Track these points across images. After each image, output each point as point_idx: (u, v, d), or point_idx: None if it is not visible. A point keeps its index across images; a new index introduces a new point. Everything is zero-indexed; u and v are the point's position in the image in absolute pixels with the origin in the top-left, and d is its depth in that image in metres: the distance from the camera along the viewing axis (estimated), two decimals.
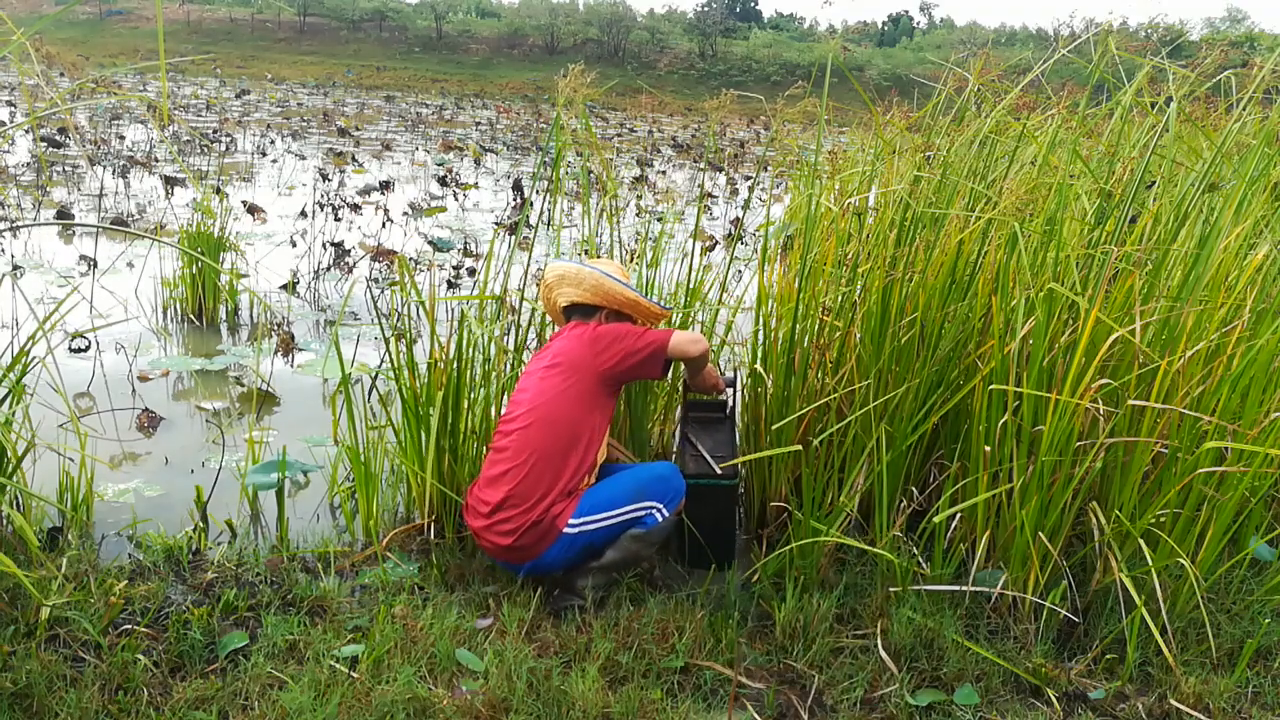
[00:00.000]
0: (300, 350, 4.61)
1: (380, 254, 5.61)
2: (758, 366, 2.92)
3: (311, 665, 2.09)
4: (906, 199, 2.65)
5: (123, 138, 12.05)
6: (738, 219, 8.05)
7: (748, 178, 13.12)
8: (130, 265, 5.83)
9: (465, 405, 2.79)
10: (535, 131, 19.52)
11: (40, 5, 43.51)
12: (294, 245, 6.53)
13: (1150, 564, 2.22)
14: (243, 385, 4.18)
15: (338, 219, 7.09)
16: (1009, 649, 2.29)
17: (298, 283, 5.71)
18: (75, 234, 6.90)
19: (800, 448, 2.66)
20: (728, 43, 53.77)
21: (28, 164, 9.60)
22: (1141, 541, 2.26)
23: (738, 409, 3.10)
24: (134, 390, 3.93)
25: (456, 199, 9.73)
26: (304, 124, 17.61)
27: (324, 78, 38.73)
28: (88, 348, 4.22)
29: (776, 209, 9.26)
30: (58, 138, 10.96)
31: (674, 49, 52.82)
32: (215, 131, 14.09)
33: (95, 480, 2.83)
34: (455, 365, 2.71)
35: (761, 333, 2.94)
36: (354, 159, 12.20)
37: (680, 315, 3.17)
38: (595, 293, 2.60)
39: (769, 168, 9.04)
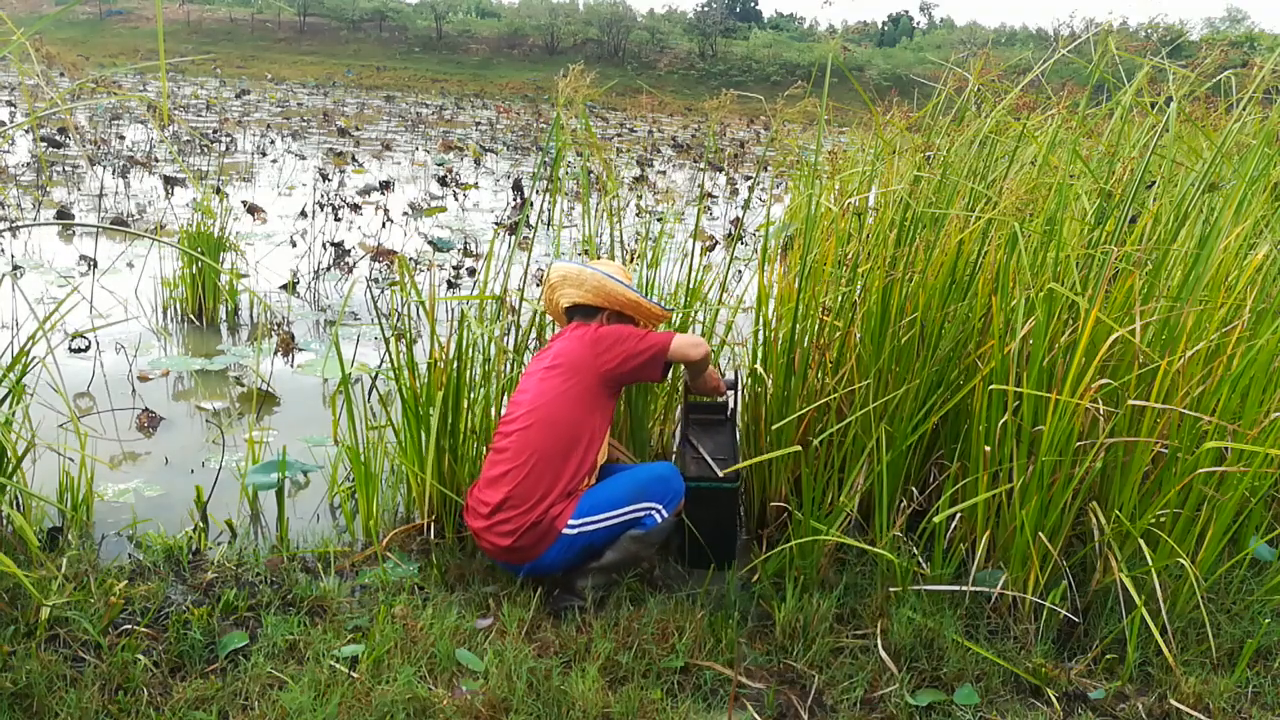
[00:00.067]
0: (300, 350, 4.61)
1: (380, 254, 5.61)
2: (758, 366, 2.92)
3: (311, 665, 2.09)
4: (906, 199, 2.65)
5: (123, 138, 12.05)
6: (738, 219, 8.05)
7: (748, 178, 13.12)
8: (130, 265, 5.83)
9: (465, 405, 2.79)
10: (535, 131, 19.53)
11: (40, 5, 43.52)
12: (294, 245, 6.53)
13: (1150, 564, 2.22)
14: (243, 385, 4.18)
15: (338, 219, 7.09)
16: (1009, 649, 2.29)
17: (298, 283, 5.71)
18: (75, 234, 6.90)
19: (800, 448, 2.66)
20: (728, 43, 53.78)
21: (28, 164, 9.60)
22: (1141, 541, 2.26)
23: (738, 410, 3.10)
24: (134, 390, 3.93)
25: (456, 199, 9.73)
26: (304, 124, 17.61)
27: (324, 78, 38.74)
28: (88, 348, 4.22)
29: (776, 209, 9.26)
30: (58, 138, 10.96)
31: (674, 49, 52.82)
32: (215, 131, 14.09)
33: (95, 480, 2.83)
34: (455, 365, 2.71)
35: (761, 333, 2.94)
36: (354, 159, 12.20)
37: (680, 315, 3.17)
38: (597, 294, 2.60)
39: (769, 168, 9.04)
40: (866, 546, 2.44)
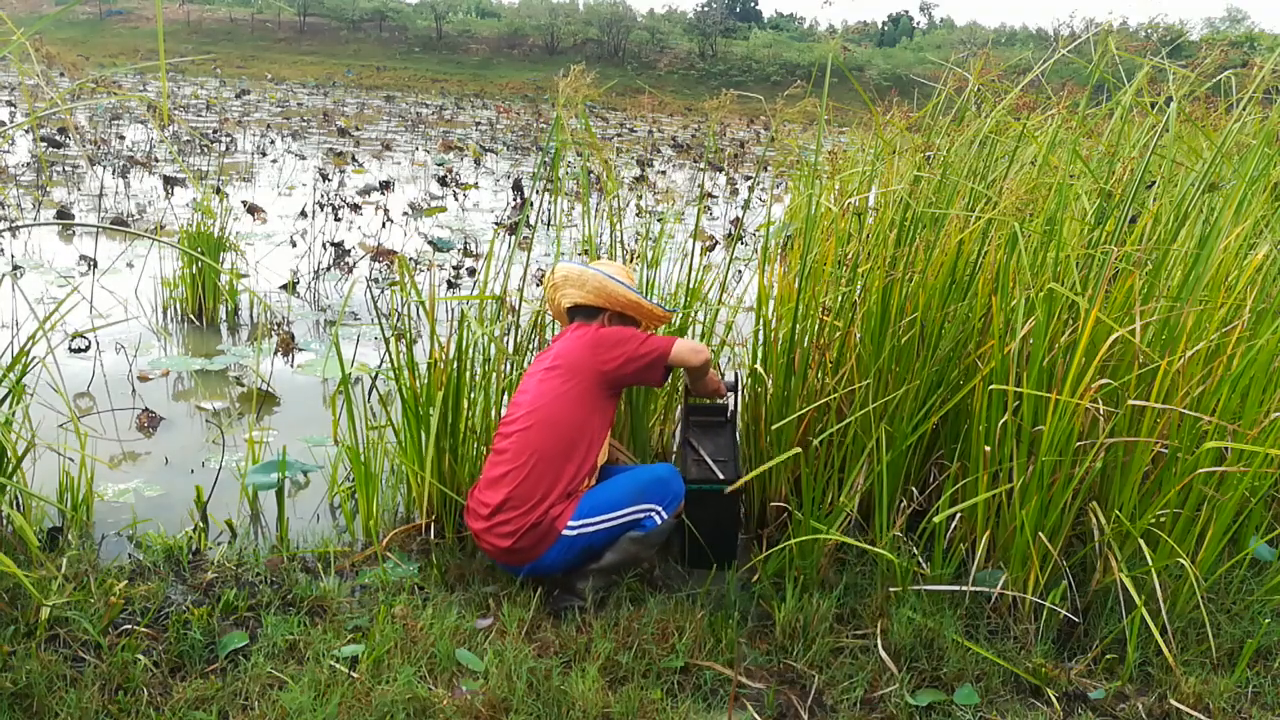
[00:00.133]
0: (300, 350, 4.61)
1: (380, 254, 5.61)
2: (758, 366, 2.92)
3: (311, 665, 2.09)
4: (906, 199, 2.65)
5: (123, 138, 12.05)
6: (738, 219, 8.05)
7: (748, 178, 13.12)
8: (130, 265, 5.83)
9: (465, 405, 2.79)
10: (535, 131, 19.52)
11: (40, 5, 43.51)
12: (294, 245, 6.53)
13: (1150, 564, 2.22)
14: (243, 385, 4.18)
15: (338, 219, 7.09)
16: (1009, 649, 2.29)
17: (298, 283, 5.71)
18: (75, 234, 6.90)
19: (800, 448, 2.66)
20: (728, 43, 53.78)
21: (28, 164, 9.60)
22: (1141, 541, 2.26)
23: (738, 411, 3.10)
24: (134, 390, 3.93)
25: (456, 199, 9.73)
26: (304, 124, 17.61)
27: (324, 78, 38.73)
28: (88, 348, 4.22)
29: (776, 209, 9.26)
30: (58, 138, 10.96)
31: (674, 49, 52.82)
32: (215, 131, 14.09)
33: (95, 480, 2.83)
34: (455, 365, 2.71)
35: (761, 333, 2.94)
36: (354, 159, 12.20)
37: (680, 315, 3.17)
38: (598, 294, 2.60)
39: (769, 168, 9.04)
40: (866, 546, 2.44)
